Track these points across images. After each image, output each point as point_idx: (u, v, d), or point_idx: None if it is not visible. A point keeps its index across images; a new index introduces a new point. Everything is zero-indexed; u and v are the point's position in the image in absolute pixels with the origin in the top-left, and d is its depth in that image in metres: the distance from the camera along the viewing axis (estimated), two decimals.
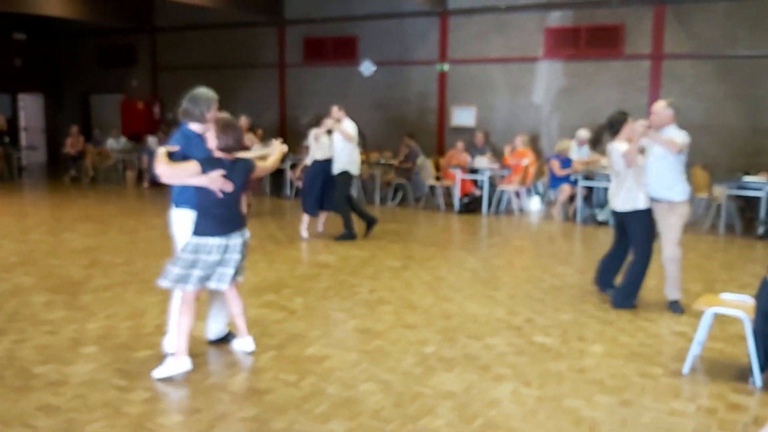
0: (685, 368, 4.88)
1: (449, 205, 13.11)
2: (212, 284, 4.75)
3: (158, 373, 4.67)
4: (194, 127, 4.86)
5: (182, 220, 4.85)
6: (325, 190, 9.49)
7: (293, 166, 13.62)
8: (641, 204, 6.35)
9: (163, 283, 4.66)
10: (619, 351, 5.31)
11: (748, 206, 11.12)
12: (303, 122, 9.94)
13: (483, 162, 12.77)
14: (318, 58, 16.54)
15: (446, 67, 14.93)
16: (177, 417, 4.05)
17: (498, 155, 13.41)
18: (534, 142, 13.66)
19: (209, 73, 17.68)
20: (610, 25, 13.15)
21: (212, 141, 4.64)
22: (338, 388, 4.50)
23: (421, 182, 13.51)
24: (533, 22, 13.90)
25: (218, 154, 4.66)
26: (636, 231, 6.46)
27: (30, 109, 21.03)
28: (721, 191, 10.62)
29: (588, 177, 11.49)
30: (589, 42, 13.41)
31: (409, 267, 8.06)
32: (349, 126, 9.35)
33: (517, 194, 12.66)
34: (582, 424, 4.05)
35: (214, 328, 5.28)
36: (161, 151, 4.61)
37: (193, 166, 4.55)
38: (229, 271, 4.74)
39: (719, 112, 12.44)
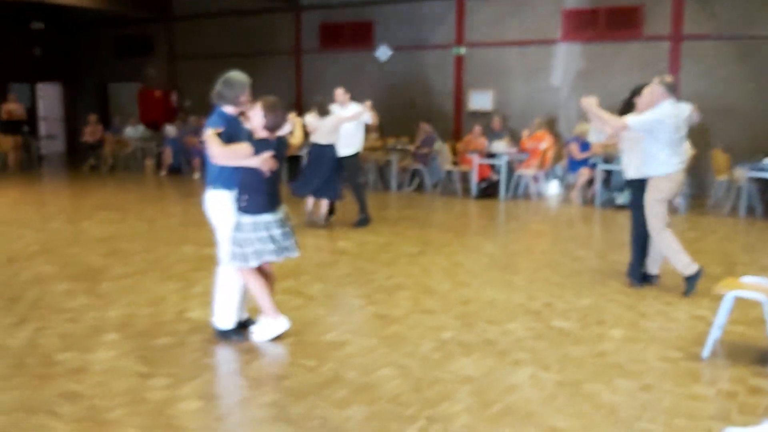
0: (706, 352, 4.85)
1: (466, 190, 13.07)
2: (282, 257, 4.98)
3: (258, 336, 5.02)
4: (228, 109, 4.98)
5: (220, 201, 4.95)
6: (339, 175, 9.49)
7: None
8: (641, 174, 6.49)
9: (256, 262, 4.86)
10: (638, 335, 5.28)
11: None
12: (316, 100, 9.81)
13: (500, 146, 12.70)
14: (334, 44, 16.51)
15: (463, 50, 14.84)
16: (197, 403, 4.08)
17: (516, 139, 13.34)
18: (552, 126, 13.57)
19: (226, 60, 17.49)
20: (629, 6, 12.99)
21: (258, 120, 4.79)
22: (357, 373, 4.51)
23: (438, 167, 13.46)
24: (551, 5, 13.76)
25: (262, 133, 4.82)
26: (633, 198, 6.66)
27: (49, 98, 21.19)
28: (741, 173, 10.50)
29: (607, 160, 11.39)
30: (607, 24, 13.27)
31: (426, 253, 8.05)
32: (357, 109, 9.45)
33: (536, 178, 12.60)
34: (602, 408, 4.04)
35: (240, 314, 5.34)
36: (211, 133, 4.72)
37: (246, 147, 4.73)
38: (287, 243, 4.97)
39: (740, 94, 12.27)
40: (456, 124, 15.11)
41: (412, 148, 13.73)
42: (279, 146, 4.89)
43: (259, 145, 4.76)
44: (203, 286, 6.58)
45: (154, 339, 5.13)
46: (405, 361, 4.73)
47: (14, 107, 16.58)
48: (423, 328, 5.42)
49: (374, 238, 8.81)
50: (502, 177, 12.36)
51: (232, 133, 4.83)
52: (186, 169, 16.07)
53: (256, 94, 5.03)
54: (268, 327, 5.06)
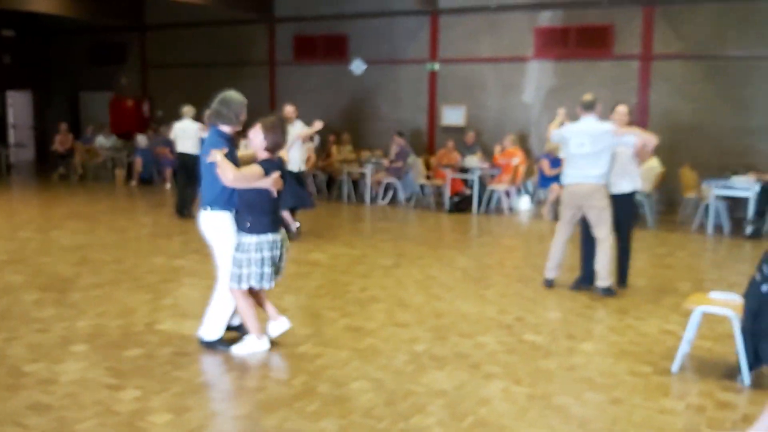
0: (675, 366, 4.91)
1: (440, 204, 13.13)
2: (278, 278, 5.08)
3: (238, 350, 5.04)
4: (225, 128, 4.98)
5: (219, 222, 4.94)
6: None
7: None
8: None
9: (248, 285, 4.91)
10: (608, 349, 5.34)
11: (736, 206, 11.19)
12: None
13: (473, 161, 12.80)
14: (308, 56, 16.52)
15: (436, 66, 14.94)
16: (168, 416, 4.04)
17: (488, 154, 13.44)
18: (524, 142, 13.70)
19: (199, 71, 17.66)
20: (600, 25, 13.20)
21: (259, 141, 4.82)
22: (330, 386, 4.50)
23: (412, 181, 13.52)
24: (523, 22, 13.93)
25: (263, 154, 4.84)
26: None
27: (19, 106, 20.91)
28: (709, 191, 10.68)
29: None
30: (578, 42, 13.45)
31: (400, 265, 8.07)
32: (303, 126, 9.70)
33: (507, 193, 12.70)
34: (572, 421, 4.07)
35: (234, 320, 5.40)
36: (220, 157, 4.70)
37: (257, 169, 4.75)
38: (283, 264, 5.07)
39: (708, 113, 12.51)
40: (429, 139, 15.18)
41: (386, 161, 13.78)
42: (281, 165, 4.93)
43: (267, 166, 4.78)
44: (173, 297, 6.55)
45: (124, 350, 5.08)
46: (378, 373, 4.73)
47: None
48: (396, 340, 5.42)
49: (348, 251, 8.81)
50: (475, 191, 12.44)
51: (232, 154, 4.86)
52: (157, 180, 15.95)
53: None
54: (251, 344, 5.08)
